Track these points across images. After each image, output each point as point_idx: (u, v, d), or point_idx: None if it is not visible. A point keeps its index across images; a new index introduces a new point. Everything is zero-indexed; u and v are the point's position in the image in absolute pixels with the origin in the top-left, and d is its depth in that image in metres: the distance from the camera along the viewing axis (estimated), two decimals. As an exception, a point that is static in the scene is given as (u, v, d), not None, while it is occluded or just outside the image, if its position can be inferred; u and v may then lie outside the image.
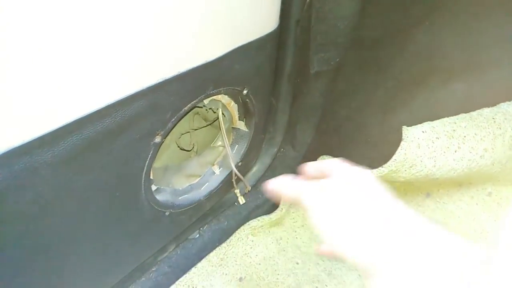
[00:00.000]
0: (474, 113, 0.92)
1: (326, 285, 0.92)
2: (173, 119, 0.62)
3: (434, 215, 1.04)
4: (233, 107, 0.76)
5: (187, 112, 0.64)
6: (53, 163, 0.49)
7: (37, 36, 0.40)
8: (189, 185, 0.78)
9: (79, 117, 0.49)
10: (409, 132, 0.89)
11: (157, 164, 0.73)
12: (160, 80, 0.55)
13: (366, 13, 0.73)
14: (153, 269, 0.86)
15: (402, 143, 0.88)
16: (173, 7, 0.51)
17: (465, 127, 0.91)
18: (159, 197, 0.71)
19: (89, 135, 0.51)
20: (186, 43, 0.56)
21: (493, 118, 0.91)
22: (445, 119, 0.92)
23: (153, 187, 0.70)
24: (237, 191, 0.81)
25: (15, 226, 0.50)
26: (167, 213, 0.73)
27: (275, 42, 0.72)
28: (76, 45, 0.44)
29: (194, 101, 0.63)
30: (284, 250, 0.99)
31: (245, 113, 0.79)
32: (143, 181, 0.64)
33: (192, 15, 0.54)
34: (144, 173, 0.63)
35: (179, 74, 0.57)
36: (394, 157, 0.89)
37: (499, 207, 1.01)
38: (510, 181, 0.98)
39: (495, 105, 0.92)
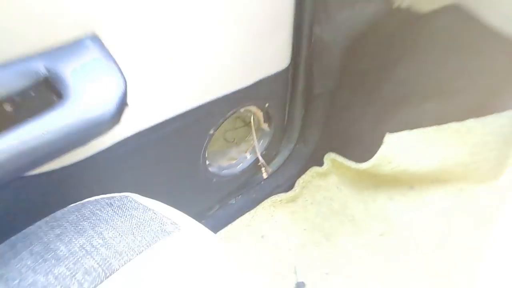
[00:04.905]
0: (444, 126, 1.22)
1: (323, 246, 1.27)
2: (221, 120, 1.02)
3: (415, 205, 1.33)
4: (259, 114, 1.15)
5: (230, 116, 1.04)
6: (150, 144, 0.89)
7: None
8: (229, 164, 1.19)
9: (169, 117, 0.89)
10: (389, 137, 1.21)
11: (211, 149, 1.13)
12: (213, 98, 0.95)
13: (354, 51, 1.07)
14: (202, 221, 1.27)
15: (383, 145, 1.21)
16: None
17: (435, 135, 1.21)
18: (210, 169, 1.12)
19: (170, 129, 0.89)
20: (232, 76, 0.95)
21: (458, 130, 1.20)
22: (421, 129, 1.22)
23: (207, 162, 1.11)
24: (262, 168, 1.21)
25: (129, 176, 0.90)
26: (214, 180, 1.13)
27: (288, 73, 1.10)
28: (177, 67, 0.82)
29: (233, 110, 1.02)
30: (296, 220, 1.35)
31: (267, 119, 1.18)
32: (201, 156, 1.04)
33: (226, 55, 0.90)
34: (202, 151, 1.04)
35: (226, 94, 0.96)
36: (376, 154, 1.22)
37: (470, 200, 1.25)
38: (476, 181, 1.24)
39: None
